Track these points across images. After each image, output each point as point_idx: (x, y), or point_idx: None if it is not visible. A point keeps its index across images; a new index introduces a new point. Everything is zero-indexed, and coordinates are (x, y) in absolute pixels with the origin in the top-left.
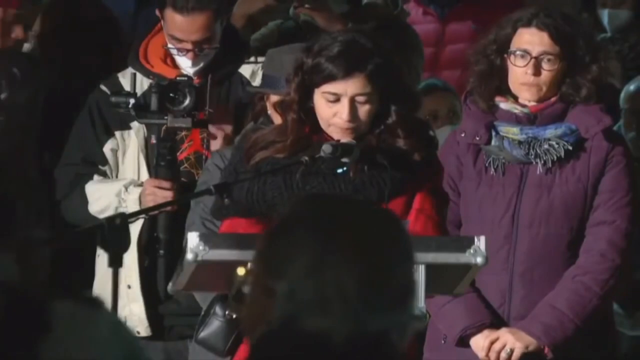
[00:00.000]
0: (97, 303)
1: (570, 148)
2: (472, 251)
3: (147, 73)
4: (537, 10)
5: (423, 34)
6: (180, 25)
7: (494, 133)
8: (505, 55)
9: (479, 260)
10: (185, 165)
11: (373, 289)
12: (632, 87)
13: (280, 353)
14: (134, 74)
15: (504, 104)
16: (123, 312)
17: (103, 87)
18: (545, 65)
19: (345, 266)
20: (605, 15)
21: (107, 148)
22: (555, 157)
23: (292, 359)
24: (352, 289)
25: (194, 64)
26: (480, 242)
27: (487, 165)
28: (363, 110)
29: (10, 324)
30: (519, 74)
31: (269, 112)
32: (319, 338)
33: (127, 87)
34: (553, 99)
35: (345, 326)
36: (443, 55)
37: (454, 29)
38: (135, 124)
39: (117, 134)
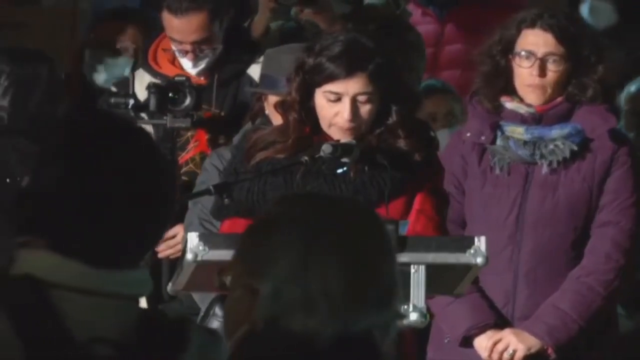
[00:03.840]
0: (217, 333)
1: (576, 148)
2: (472, 251)
3: (154, 74)
4: (541, 11)
5: (422, 35)
6: (176, 27)
7: (499, 133)
8: (510, 56)
9: (479, 260)
10: (190, 165)
11: (358, 289)
12: (632, 88)
13: (265, 353)
14: (133, 75)
15: (509, 104)
16: None
17: (113, 88)
18: (550, 66)
19: (330, 266)
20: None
21: None
22: (560, 158)
23: (278, 359)
24: (337, 288)
25: (194, 65)
26: (481, 242)
27: (492, 165)
28: (364, 109)
29: (148, 337)
30: (524, 75)
31: (267, 112)
32: (305, 338)
33: (136, 86)
34: (559, 99)
35: (331, 326)
36: (442, 55)
37: (452, 29)
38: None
39: None
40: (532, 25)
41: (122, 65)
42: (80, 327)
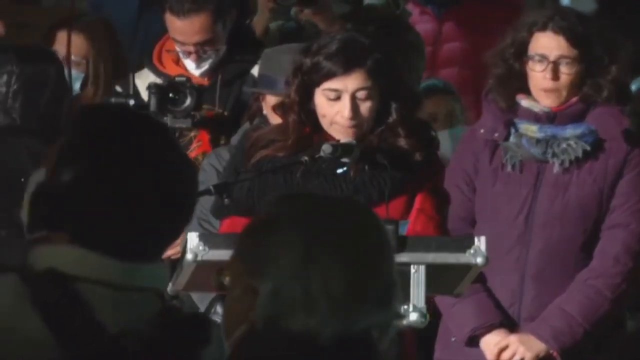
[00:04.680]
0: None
1: (588, 148)
2: (472, 251)
3: (159, 74)
4: (552, 14)
5: (421, 34)
6: (179, 28)
7: (512, 130)
8: (525, 59)
9: (479, 260)
10: None
11: (359, 288)
12: (632, 87)
13: (265, 353)
14: (133, 75)
15: (524, 101)
16: None
17: (118, 88)
18: (563, 69)
19: (330, 265)
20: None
21: None
22: (572, 157)
23: (277, 359)
24: (337, 288)
25: (197, 66)
26: (481, 243)
27: (504, 162)
28: (364, 106)
29: (173, 330)
30: (538, 79)
31: (265, 112)
32: (305, 337)
33: (141, 87)
34: (574, 100)
35: (331, 325)
36: (440, 54)
37: (451, 28)
38: None
39: None
40: (543, 28)
41: (72, 80)
42: (108, 320)
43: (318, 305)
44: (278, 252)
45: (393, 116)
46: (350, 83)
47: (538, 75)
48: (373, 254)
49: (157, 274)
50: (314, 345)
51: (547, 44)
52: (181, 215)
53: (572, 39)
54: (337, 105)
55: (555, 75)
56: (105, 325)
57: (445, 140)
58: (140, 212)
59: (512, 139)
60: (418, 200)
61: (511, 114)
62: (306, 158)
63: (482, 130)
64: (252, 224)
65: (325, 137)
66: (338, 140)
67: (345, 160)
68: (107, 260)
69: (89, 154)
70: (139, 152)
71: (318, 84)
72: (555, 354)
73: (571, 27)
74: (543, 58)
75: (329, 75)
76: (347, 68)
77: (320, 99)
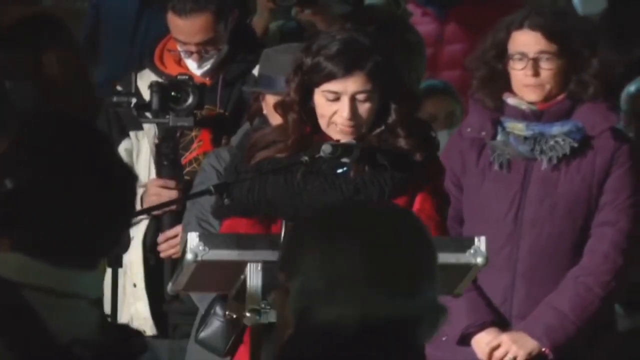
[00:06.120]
0: None
1: (576, 145)
2: (472, 251)
3: (160, 74)
4: (527, 12)
5: (422, 35)
6: (181, 28)
7: (499, 129)
8: (506, 59)
9: (479, 260)
10: (194, 165)
11: (381, 275)
12: (632, 88)
13: (300, 350)
14: (135, 74)
15: (511, 100)
16: (129, 311)
17: (118, 87)
18: (543, 65)
19: (352, 253)
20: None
21: (121, 148)
22: (560, 154)
23: (308, 352)
24: (359, 275)
25: (199, 66)
26: (481, 243)
27: (491, 160)
28: (363, 108)
29: (115, 339)
30: (519, 76)
31: (265, 112)
32: (329, 326)
33: (142, 86)
34: (560, 97)
35: (354, 312)
36: (442, 55)
37: (452, 29)
38: (146, 124)
39: (132, 134)
40: (520, 26)
41: None
42: (55, 328)
43: (337, 294)
44: (304, 251)
45: (393, 116)
46: (350, 85)
47: (519, 74)
48: (397, 245)
49: (94, 281)
50: (339, 334)
51: (525, 42)
52: (121, 223)
53: (549, 34)
54: (336, 106)
55: (536, 72)
56: (53, 333)
57: (445, 140)
58: (81, 219)
59: (499, 137)
60: (418, 200)
61: (498, 112)
62: (306, 158)
63: (468, 129)
64: (287, 235)
65: (325, 137)
66: (338, 140)
67: (345, 160)
68: (49, 267)
69: (31, 161)
70: (81, 160)
71: (317, 85)
72: (547, 351)
73: (547, 22)
74: (523, 56)
75: (329, 77)
76: (347, 70)
77: (320, 100)
